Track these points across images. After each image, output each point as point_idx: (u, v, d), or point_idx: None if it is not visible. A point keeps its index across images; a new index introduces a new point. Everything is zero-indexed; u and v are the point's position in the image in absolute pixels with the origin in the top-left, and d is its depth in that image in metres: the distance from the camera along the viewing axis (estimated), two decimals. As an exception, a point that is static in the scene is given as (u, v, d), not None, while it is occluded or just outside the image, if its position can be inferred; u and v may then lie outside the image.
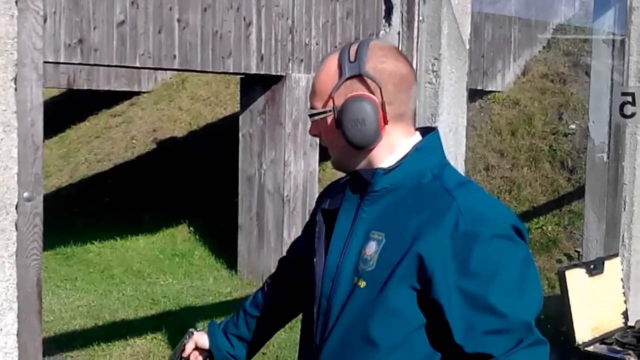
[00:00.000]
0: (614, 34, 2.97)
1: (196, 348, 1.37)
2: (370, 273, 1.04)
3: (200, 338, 1.37)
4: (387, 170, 1.08)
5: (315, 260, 1.12)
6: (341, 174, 1.15)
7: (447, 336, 1.00)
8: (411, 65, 1.12)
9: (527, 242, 1.05)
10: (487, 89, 8.49)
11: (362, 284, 1.04)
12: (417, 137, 1.12)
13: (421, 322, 1.02)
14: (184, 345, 1.38)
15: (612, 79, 2.94)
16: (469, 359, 0.99)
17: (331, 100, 1.08)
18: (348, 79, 1.07)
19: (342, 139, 1.08)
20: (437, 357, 1.03)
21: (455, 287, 0.99)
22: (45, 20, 1.18)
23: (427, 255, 0.99)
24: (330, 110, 1.08)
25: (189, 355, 1.37)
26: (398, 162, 1.08)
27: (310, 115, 1.11)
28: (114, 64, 5.62)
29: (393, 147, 1.09)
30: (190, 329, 1.40)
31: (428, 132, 1.14)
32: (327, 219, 1.14)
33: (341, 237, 1.09)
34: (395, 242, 1.03)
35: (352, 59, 1.07)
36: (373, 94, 1.07)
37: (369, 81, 1.06)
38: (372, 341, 1.03)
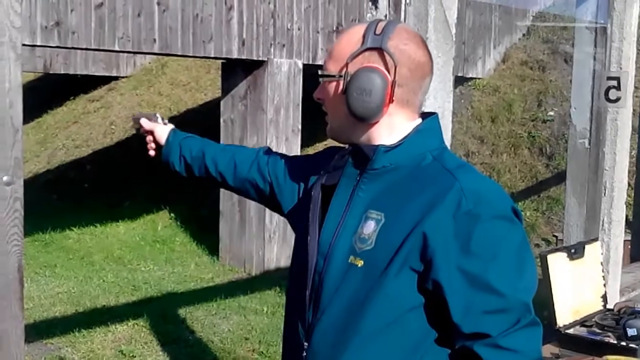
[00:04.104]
0: (596, 22, 2.99)
1: (152, 132, 1.51)
2: (368, 252, 1.03)
3: (161, 132, 1.52)
4: (389, 148, 1.07)
5: (308, 236, 1.11)
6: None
7: (444, 316, 1.00)
8: (431, 58, 1.11)
9: (522, 224, 1.06)
10: (467, 76, 8.53)
11: (360, 263, 1.03)
12: (418, 120, 1.12)
13: (418, 303, 1.02)
14: (152, 120, 1.51)
15: (593, 66, 2.97)
16: (466, 339, 1.00)
17: (345, 67, 1.07)
18: (368, 49, 1.07)
19: (344, 106, 1.07)
20: (433, 335, 1.03)
21: (456, 267, 0.99)
22: (21, 1, 1.14)
23: (431, 233, 1.00)
24: (341, 76, 1.08)
25: (144, 130, 1.52)
26: (399, 141, 1.08)
27: (321, 76, 1.11)
28: (92, 47, 5.51)
29: (394, 128, 1.09)
30: (163, 118, 1.53)
31: (427, 116, 1.14)
32: (323, 194, 1.13)
33: (336, 215, 1.08)
34: (396, 222, 1.02)
35: (377, 32, 1.07)
36: (387, 70, 1.06)
37: (387, 57, 1.06)
38: (368, 320, 1.03)
